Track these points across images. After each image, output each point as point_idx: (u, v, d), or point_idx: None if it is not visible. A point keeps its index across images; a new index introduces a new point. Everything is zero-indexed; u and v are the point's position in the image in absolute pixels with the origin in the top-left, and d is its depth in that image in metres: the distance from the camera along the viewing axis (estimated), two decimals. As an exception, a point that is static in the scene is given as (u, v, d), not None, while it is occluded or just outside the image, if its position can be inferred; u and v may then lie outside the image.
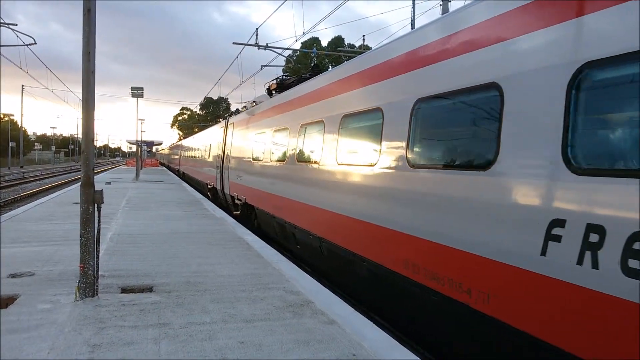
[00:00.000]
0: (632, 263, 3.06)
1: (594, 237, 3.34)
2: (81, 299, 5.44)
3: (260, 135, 13.51)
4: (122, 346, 4.24)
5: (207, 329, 4.71)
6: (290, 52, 38.81)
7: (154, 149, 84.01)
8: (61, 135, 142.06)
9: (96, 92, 5.62)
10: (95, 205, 5.54)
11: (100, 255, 5.72)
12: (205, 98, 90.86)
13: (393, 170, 6.13)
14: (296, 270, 7.34)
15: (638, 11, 3.25)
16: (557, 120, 3.77)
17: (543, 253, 3.73)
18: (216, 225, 11.89)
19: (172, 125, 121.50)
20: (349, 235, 7.35)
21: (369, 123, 7.02)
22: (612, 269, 3.19)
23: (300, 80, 12.27)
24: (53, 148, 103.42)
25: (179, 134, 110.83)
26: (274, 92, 14.03)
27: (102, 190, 5.57)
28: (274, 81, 14.29)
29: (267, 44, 23.89)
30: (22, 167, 63.71)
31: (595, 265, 3.30)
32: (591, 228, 3.37)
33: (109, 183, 25.33)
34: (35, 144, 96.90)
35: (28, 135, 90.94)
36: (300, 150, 9.82)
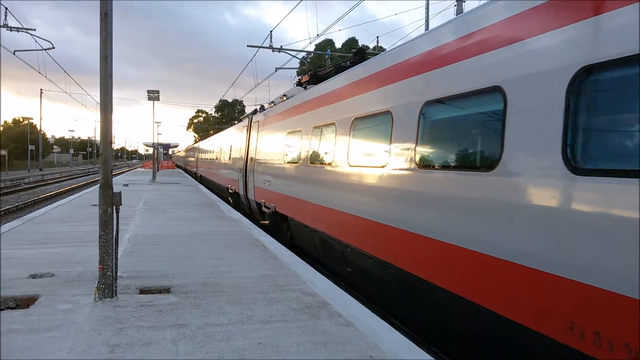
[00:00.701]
0: None
1: None
2: (100, 300, 5.50)
3: (294, 135, 11.58)
4: (141, 346, 4.27)
5: (225, 330, 4.73)
6: (304, 54, 38.94)
7: (170, 152, 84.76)
8: (79, 138, 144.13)
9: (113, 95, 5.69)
10: (114, 207, 5.60)
11: (118, 256, 5.78)
12: (220, 100, 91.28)
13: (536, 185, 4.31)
14: (312, 272, 7.34)
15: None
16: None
17: None
18: (232, 226, 11.95)
19: (187, 128, 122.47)
20: (446, 267, 5.23)
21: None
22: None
23: (340, 69, 10.65)
24: (71, 151, 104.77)
25: (194, 136, 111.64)
26: (305, 85, 12.88)
27: (120, 192, 5.64)
28: (304, 75, 13.21)
29: (281, 46, 24.03)
30: (41, 169, 64.68)
31: None
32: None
33: (127, 185, 25.59)
34: (54, 146, 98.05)
35: (47, 138, 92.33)
36: (353, 151, 7.96)
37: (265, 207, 13.82)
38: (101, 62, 5.55)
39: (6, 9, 22.63)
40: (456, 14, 18.42)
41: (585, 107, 3.77)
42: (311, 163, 9.95)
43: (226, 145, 23.81)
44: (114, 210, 5.61)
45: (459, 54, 5.31)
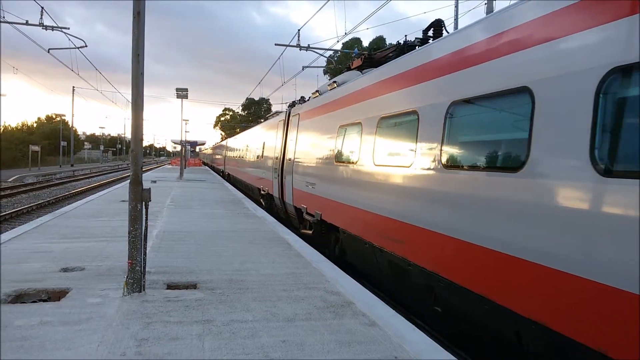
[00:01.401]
0: None
1: None
2: (129, 294, 5.60)
3: (350, 128, 9.50)
4: (168, 341, 4.34)
5: (250, 327, 4.77)
6: (331, 52, 38.92)
7: (197, 149, 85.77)
8: (109, 135, 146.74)
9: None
10: (143, 203, 5.69)
11: (147, 251, 5.87)
12: (247, 99, 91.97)
13: None
14: (336, 271, 7.34)
15: None
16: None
17: None
18: (257, 224, 12.03)
19: (214, 126, 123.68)
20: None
21: None
22: None
23: (405, 49, 9.15)
24: (101, 147, 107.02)
25: (221, 134, 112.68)
26: (355, 71, 11.31)
27: (149, 188, 5.73)
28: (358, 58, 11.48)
29: (308, 44, 24.05)
30: (72, 165, 66.22)
31: None
32: None
33: (155, 182, 25.97)
34: (85, 143, 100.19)
35: (78, 135, 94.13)
36: (447, 149, 5.92)
37: (308, 214, 12.02)
38: (133, 61, 5.64)
39: (42, 8, 23.14)
40: (486, 13, 18.16)
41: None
42: (379, 164, 7.84)
43: (258, 142, 21.80)
44: (144, 207, 5.70)
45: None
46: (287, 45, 24.17)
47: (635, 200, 3.36)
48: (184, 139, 40.13)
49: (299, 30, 23.61)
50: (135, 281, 5.66)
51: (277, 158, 16.27)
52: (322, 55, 26.47)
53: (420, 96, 6.75)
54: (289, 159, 14.45)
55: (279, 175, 15.64)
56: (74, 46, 27.53)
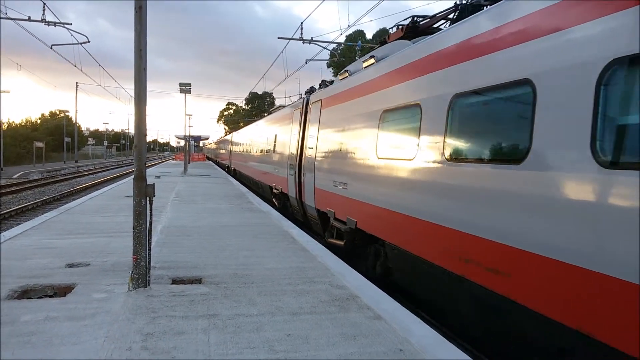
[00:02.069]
0: None
1: None
2: (134, 289, 5.62)
3: (403, 112, 7.40)
4: (173, 335, 4.35)
5: (255, 321, 4.78)
6: (334, 45, 38.83)
7: (200, 144, 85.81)
8: (113, 130, 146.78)
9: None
10: (147, 198, 5.69)
11: (151, 247, 5.88)
12: (251, 93, 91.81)
13: None
14: (341, 265, 7.34)
15: None
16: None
17: None
18: (261, 218, 12.04)
19: (218, 120, 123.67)
20: None
21: None
22: None
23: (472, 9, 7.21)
24: (105, 143, 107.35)
25: (225, 128, 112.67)
26: (402, 40, 8.72)
27: (153, 183, 5.73)
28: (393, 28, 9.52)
29: (311, 37, 24.00)
30: (76, 161, 66.44)
31: None
32: None
33: (159, 177, 26.02)
34: (89, 139, 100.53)
35: (82, 130, 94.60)
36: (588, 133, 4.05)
37: (337, 219, 10.10)
38: (136, 56, 5.62)
39: (44, 3, 23.12)
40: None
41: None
42: (453, 159, 5.81)
43: (269, 134, 19.68)
44: (148, 202, 5.71)
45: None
46: (290, 39, 24.10)
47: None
48: (187, 133, 40.17)
49: (301, 23, 23.52)
50: (140, 276, 5.68)
51: (293, 153, 14.23)
52: (325, 48, 26.42)
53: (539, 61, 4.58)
54: (309, 154, 12.41)
55: (295, 173, 13.68)
56: (76, 42, 27.54)
